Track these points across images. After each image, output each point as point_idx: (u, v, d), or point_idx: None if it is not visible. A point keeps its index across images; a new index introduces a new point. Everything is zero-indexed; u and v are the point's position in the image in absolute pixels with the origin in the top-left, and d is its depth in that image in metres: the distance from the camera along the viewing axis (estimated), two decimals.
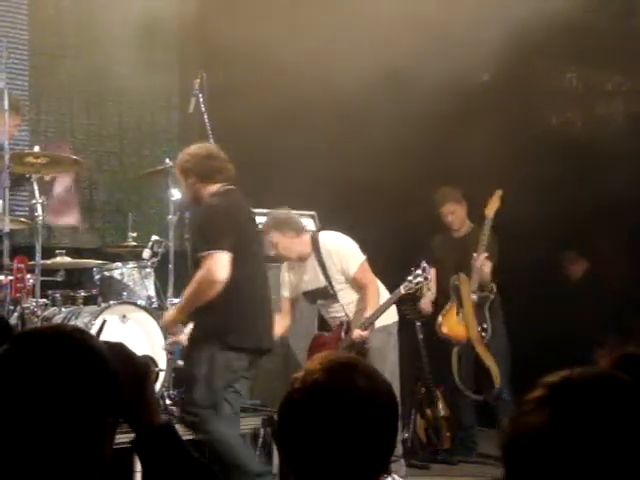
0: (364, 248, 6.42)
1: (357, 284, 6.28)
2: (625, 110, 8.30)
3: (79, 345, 1.78)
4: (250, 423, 6.19)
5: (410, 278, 6.24)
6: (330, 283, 6.28)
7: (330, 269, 6.26)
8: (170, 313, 5.51)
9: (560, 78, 8.51)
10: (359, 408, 1.82)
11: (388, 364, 6.16)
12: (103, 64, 8.12)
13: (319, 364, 1.88)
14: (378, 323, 6.22)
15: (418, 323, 7.32)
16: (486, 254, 6.96)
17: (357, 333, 6.12)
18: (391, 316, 6.39)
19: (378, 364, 6.00)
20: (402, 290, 6.23)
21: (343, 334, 6.26)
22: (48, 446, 1.69)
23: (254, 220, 5.62)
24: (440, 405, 7.48)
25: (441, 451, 7.38)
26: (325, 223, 7.07)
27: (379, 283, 6.39)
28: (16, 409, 1.69)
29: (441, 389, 7.53)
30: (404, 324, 6.90)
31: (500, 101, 8.09)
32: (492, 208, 7.02)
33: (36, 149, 6.01)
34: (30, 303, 5.78)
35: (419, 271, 6.23)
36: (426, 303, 7.28)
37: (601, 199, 7.80)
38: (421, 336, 7.38)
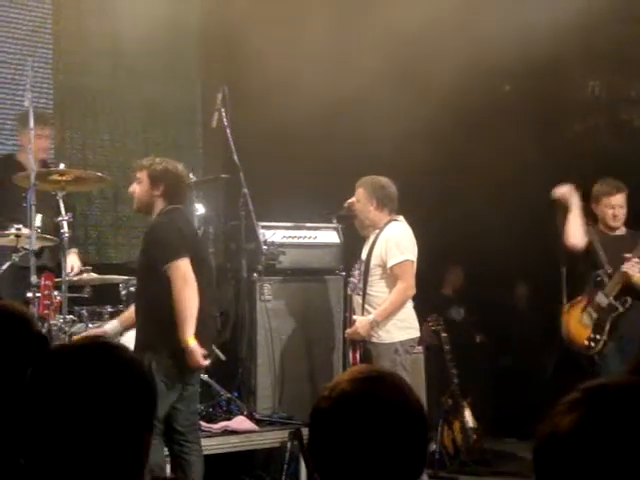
0: None
1: (393, 278, 6.06)
2: None
3: (119, 357, 1.81)
4: (277, 437, 6.20)
5: None
6: (368, 262, 6.15)
7: (375, 251, 6.14)
8: None
9: (583, 86, 8.48)
10: (385, 417, 1.83)
11: None
12: (127, 81, 8.19)
13: (348, 375, 1.91)
14: (387, 340, 6.02)
15: (444, 334, 7.31)
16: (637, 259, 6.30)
17: (347, 331, 6.17)
18: (401, 333, 6.07)
19: None
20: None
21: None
22: (91, 460, 1.71)
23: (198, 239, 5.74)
24: (467, 416, 7.46)
25: (469, 462, 7.36)
26: (348, 236, 7.07)
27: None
28: (61, 422, 1.71)
29: (469, 400, 7.51)
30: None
31: (522, 111, 8.07)
32: None
33: (61, 167, 6.06)
34: (57, 320, 5.82)
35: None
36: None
37: (628, 207, 7.76)
38: (447, 347, 7.37)
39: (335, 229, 7.23)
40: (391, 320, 6.06)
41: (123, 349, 1.88)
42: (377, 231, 6.20)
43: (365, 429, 1.81)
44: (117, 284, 6.51)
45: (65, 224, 5.84)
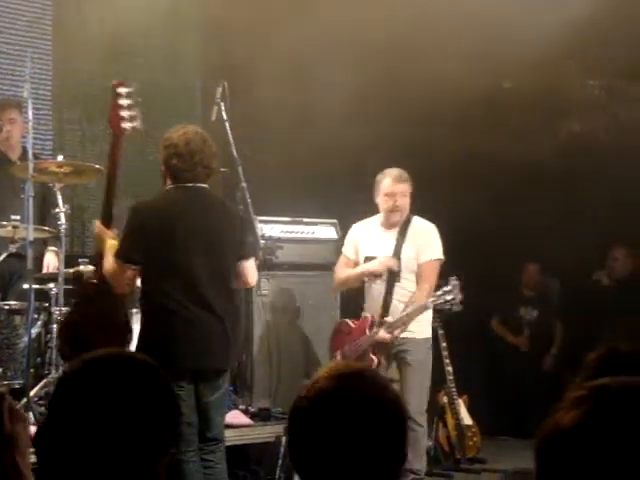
0: None
1: (420, 275, 5.89)
2: None
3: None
4: (272, 431, 6.20)
5: (439, 293, 5.81)
6: (398, 254, 5.91)
7: (409, 242, 5.91)
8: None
9: (583, 86, 8.49)
10: (361, 415, 1.81)
11: (428, 377, 5.95)
12: (126, 73, 8.15)
13: (326, 372, 1.89)
14: (422, 335, 5.97)
15: (440, 331, 7.30)
16: None
17: (382, 335, 5.78)
18: (429, 329, 6.09)
19: (420, 377, 5.87)
20: (429, 304, 5.85)
21: (367, 330, 5.94)
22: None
23: (205, 225, 4.80)
24: (463, 413, 7.45)
25: (463, 460, 7.35)
26: (346, 232, 7.05)
27: None
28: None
29: (464, 397, 7.50)
30: None
31: (522, 109, 8.07)
32: None
33: (59, 158, 6.05)
34: (54, 311, 5.82)
35: (448, 287, 5.79)
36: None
37: (627, 205, 7.78)
38: (444, 344, 7.35)
39: (333, 225, 7.22)
40: (424, 316, 5.94)
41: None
42: (398, 224, 6.02)
43: (341, 426, 1.80)
44: None
45: (62, 216, 5.84)
